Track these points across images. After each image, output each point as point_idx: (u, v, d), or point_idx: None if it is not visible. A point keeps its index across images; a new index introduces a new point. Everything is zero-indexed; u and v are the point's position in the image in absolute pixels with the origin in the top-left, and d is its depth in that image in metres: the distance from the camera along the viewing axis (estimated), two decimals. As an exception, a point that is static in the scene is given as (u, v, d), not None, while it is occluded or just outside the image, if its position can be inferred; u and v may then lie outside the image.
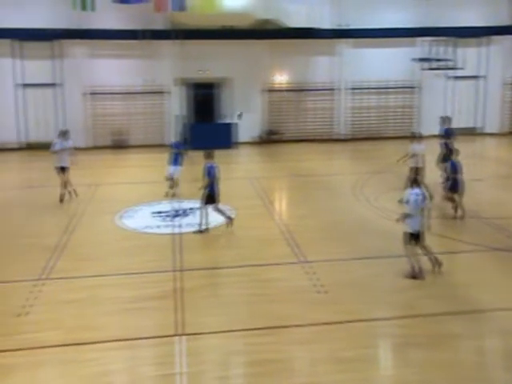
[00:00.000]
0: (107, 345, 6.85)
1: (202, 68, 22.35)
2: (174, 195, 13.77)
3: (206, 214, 11.14)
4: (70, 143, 13.45)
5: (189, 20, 20.88)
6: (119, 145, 21.61)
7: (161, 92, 22.45)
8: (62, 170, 13.28)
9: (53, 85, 21.62)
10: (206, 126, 22.65)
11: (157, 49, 21.87)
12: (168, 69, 22.14)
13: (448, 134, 14.85)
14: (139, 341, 6.96)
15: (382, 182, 15.36)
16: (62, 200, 13.26)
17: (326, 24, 22.68)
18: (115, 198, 13.91)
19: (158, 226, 11.52)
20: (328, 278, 8.74)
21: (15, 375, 6.26)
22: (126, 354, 6.74)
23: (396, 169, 14.71)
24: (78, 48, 21.48)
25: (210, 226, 11.19)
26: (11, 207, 13.21)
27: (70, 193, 13.57)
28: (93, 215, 12.43)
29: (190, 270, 9.15)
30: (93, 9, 19.60)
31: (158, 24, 21.40)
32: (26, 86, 21.41)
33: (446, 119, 15.65)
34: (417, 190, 8.68)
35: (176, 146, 14.26)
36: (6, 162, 19.04)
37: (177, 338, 6.96)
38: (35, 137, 21.37)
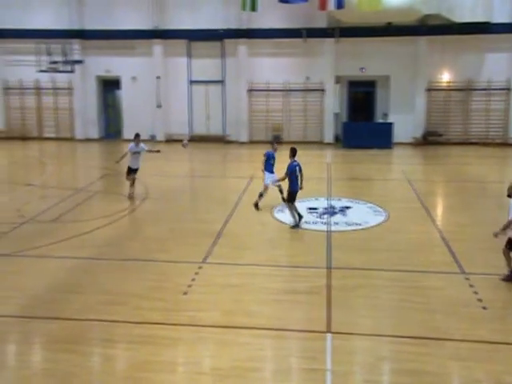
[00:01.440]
0: (259, 332, 7.16)
1: (361, 66, 22.08)
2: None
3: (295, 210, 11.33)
4: (141, 146, 13.79)
5: (349, 18, 20.74)
6: (276, 140, 22.30)
7: (318, 90, 22.66)
8: (135, 171, 13.74)
9: (218, 82, 23.07)
10: (362, 124, 22.35)
11: (316, 47, 22.11)
12: (326, 67, 22.26)
13: None
14: (289, 332, 7.17)
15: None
16: (131, 197, 13.64)
17: (501, 17, 20.85)
18: (271, 192, 14.38)
19: (313, 222, 11.69)
20: (489, 293, 8.08)
21: (177, 348, 6.87)
22: (276, 343, 6.98)
23: None
24: (240, 47, 22.63)
25: (360, 227, 11.06)
26: (180, 194, 14.48)
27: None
28: (249, 207, 13.02)
29: (341, 268, 9.14)
30: (257, 9, 20.54)
31: (318, 22, 21.62)
32: (193, 82, 23.18)
33: None
34: None
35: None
36: (177, 152, 20.89)
37: (325, 334, 7.02)
38: (201, 130, 23.09)
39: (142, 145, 13.80)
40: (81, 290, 8.41)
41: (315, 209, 12.74)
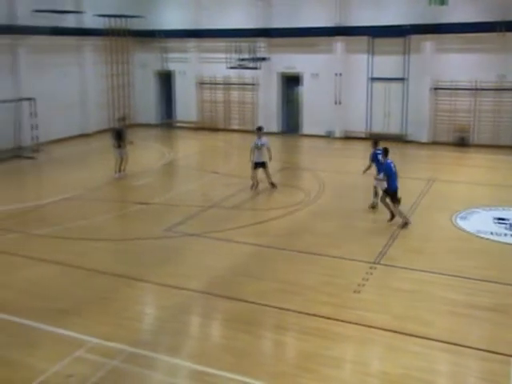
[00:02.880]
0: (432, 343, 6.81)
1: None
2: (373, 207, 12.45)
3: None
4: (263, 141, 13.86)
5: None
6: (461, 142, 20.83)
7: (515, 89, 20.51)
8: (261, 165, 13.83)
9: (399, 79, 22.27)
10: None
11: None
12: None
13: None
14: (467, 349, 6.69)
15: None
16: (253, 187, 13.96)
17: None
18: (452, 197, 13.54)
19: (499, 234, 10.69)
20: None
21: (344, 345, 6.89)
22: (452, 358, 6.57)
23: None
24: (426, 43, 21.47)
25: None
26: (354, 191, 14.40)
27: (272, 184, 14.08)
28: (427, 210, 12.41)
29: (533, 288, 8.23)
30: (447, 3, 19.25)
31: (517, 14, 19.48)
32: (374, 79, 22.71)
33: None
34: None
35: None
36: (352, 149, 20.82)
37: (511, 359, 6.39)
38: (379, 128, 22.57)
39: (264, 139, 14.06)
40: (257, 276, 8.90)
41: (504, 219, 11.60)
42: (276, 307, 7.76)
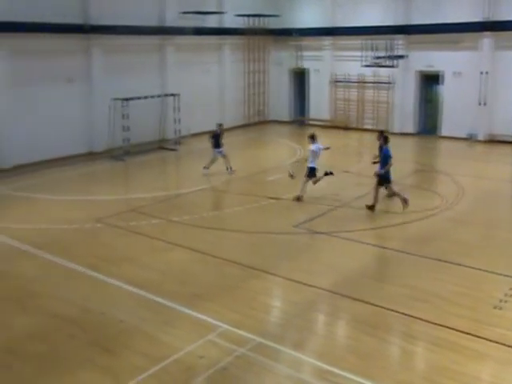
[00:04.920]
0: None
1: None
2: None
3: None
4: (314, 147, 13.06)
5: None
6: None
7: None
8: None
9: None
10: None
11: None
12: None
13: None
14: None
15: None
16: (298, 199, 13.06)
17: None
18: None
19: None
20: None
21: (480, 363, 6.41)
22: None
23: None
24: None
25: None
26: (499, 199, 13.35)
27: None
28: None
29: None
30: None
31: None
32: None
33: None
34: None
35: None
36: (497, 154, 19.26)
37: None
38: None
39: (315, 145, 13.23)
40: (385, 279, 8.67)
41: None
42: (404, 313, 7.46)
